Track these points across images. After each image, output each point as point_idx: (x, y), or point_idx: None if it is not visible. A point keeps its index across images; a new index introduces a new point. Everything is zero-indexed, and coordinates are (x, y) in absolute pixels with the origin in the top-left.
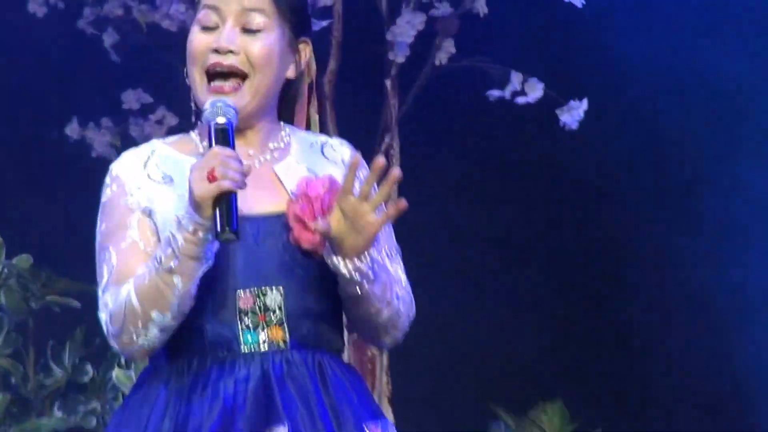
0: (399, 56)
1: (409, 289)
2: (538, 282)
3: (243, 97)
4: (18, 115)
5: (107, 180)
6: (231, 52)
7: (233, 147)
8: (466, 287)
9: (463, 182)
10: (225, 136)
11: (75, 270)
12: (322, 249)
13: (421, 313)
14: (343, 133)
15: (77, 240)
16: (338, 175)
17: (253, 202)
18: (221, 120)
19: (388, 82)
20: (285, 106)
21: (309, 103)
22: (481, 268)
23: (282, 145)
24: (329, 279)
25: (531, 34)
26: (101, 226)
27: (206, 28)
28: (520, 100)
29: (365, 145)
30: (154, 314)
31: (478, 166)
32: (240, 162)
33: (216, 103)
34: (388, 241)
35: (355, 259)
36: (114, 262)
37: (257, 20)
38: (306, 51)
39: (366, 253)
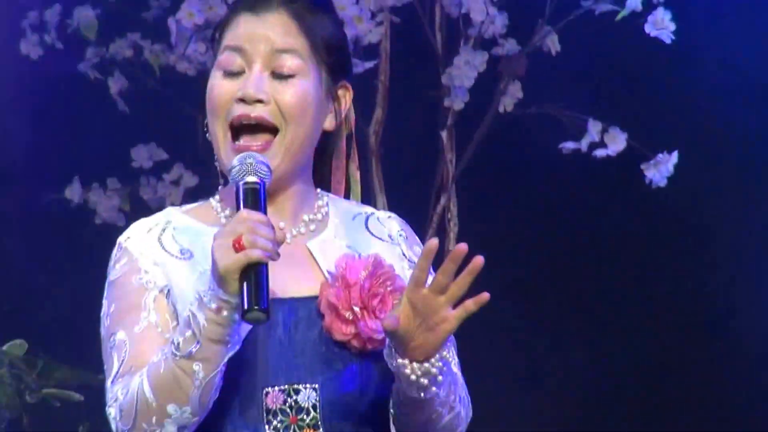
0: (457, 102)
1: (465, 387)
2: (626, 345)
3: (274, 157)
4: (8, 174)
5: (115, 254)
6: (259, 101)
7: (265, 211)
8: (542, 360)
9: (532, 249)
10: (255, 198)
11: (76, 357)
12: (361, 344)
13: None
14: (391, 193)
15: (79, 322)
16: (385, 254)
17: (283, 283)
18: (251, 179)
19: (443, 134)
20: (321, 164)
21: (349, 158)
22: (563, 338)
23: (319, 216)
24: (375, 375)
25: (611, 76)
26: (110, 308)
27: (230, 74)
28: (599, 153)
29: (417, 207)
30: (171, 408)
31: (550, 230)
32: (272, 229)
33: (245, 159)
34: None
35: (425, 362)
36: (126, 349)
37: (289, 63)
38: (346, 98)
39: (437, 354)
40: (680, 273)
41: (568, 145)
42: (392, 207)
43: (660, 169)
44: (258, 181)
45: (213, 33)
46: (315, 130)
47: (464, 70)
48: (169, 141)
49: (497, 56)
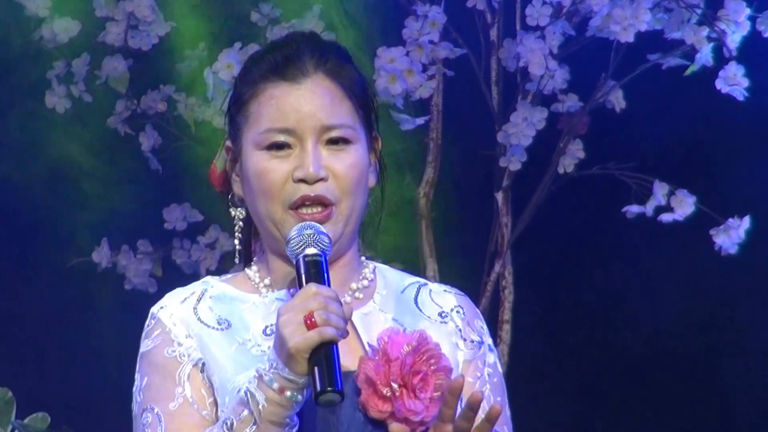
0: (513, 162)
1: None
2: (695, 419)
3: (335, 225)
4: (31, 234)
5: (148, 325)
6: (321, 179)
7: (329, 284)
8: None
9: (592, 320)
10: (318, 271)
11: (102, 429)
12: (399, 421)
13: None
14: (442, 259)
15: (104, 395)
16: (436, 334)
17: None
18: (311, 251)
19: (499, 195)
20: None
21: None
22: (624, 412)
23: (365, 283)
24: None
25: (679, 135)
26: (142, 382)
27: (276, 147)
28: (666, 217)
29: (469, 274)
30: None
31: (611, 300)
32: (341, 304)
33: (304, 231)
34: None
35: None
36: (161, 427)
37: (342, 132)
38: (379, 148)
39: None
40: (752, 346)
41: (633, 209)
42: (443, 274)
43: (730, 234)
44: (319, 253)
45: (234, 102)
46: (365, 194)
47: (521, 128)
48: (204, 201)
49: (557, 113)
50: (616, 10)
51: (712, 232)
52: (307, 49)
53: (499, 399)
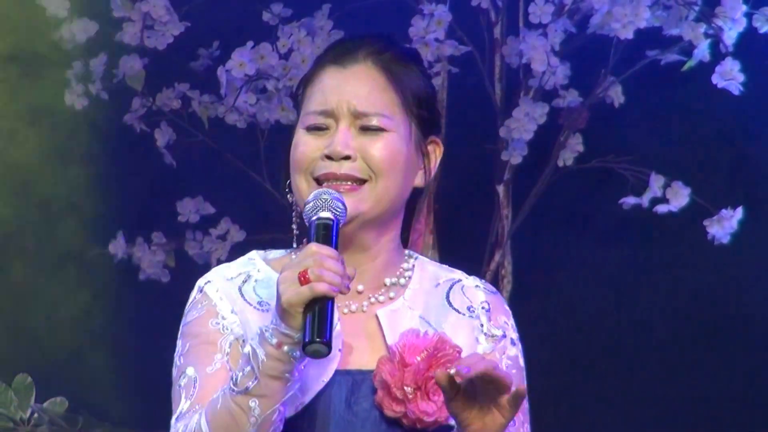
0: (515, 156)
1: None
2: (688, 402)
3: (362, 201)
4: (50, 228)
5: (194, 297)
6: (347, 158)
7: (336, 247)
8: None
9: (589, 308)
10: (327, 233)
11: (117, 415)
12: (411, 423)
13: None
14: (444, 249)
15: (120, 380)
16: (459, 327)
17: (353, 352)
18: (324, 214)
19: (500, 188)
20: (408, 222)
21: (425, 221)
22: (622, 400)
23: (402, 281)
24: None
25: (675, 129)
26: (184, 348)
27: (315, 129)
28: (661, 208)
29: (470, 264)
30: None
31: (608, 288)
32: (342, 263)
33: (321, 195)
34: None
35: None
36: (195, 389)
37: (377, 119)
38: (436, 153)
39: None
40: (745, 331)
41: (629, 201)
42: (445, 262)
43: (724, 225)
44: (332, 217)
45: (297, 87)
46: (405, 186)
47: (523, 123)
48: (216, 195)
49: (558, 108)
50: (616, 8)
51: (705, 222)
52: (368, 41)
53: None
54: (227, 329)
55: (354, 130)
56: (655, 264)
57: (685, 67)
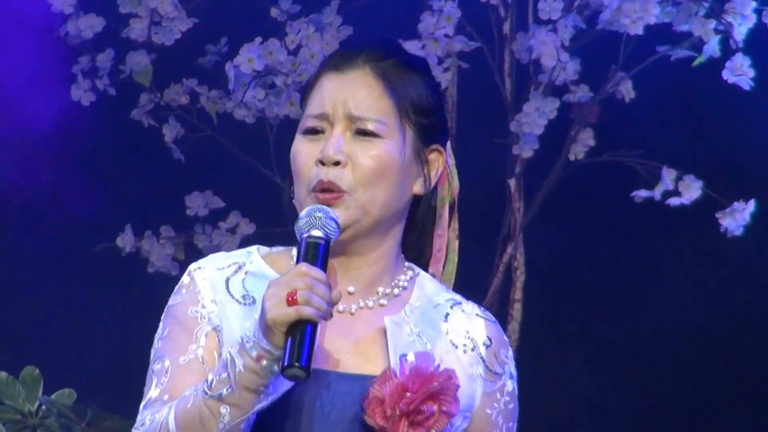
0: (526, 150)
1: None
2: (696, 396)
3: (350, 210)
4: (59, 221)
5: (183, 280)
6: (337, 163)
7: (324, 268)
8: (611, 414)
9: (602, 301)
10: (316, 253)
11: (125, 407)
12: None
13: None
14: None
15: (129, 372)
16: (456, 361)
17: (335, 354)
18: (316, 233)
19: (512, 182)
20: (412, 230)
21: (449, 227)
22: (632, 390)
23: (396, 291)
24: None
25: (686, 123)
26: (163, 332)
27: (311, 132)
28: (674, 201)
29: (483, 257)
30: None
31: (620, 281)
32: (329, 288)
33: (314, 212)
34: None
35: None
36: (166, 377)
37: (371, 125)
38: (439, 161)
39: None
40: (757, 324)
41: (641, 194)
42: (458, 256)
43: (736, 217)
44: (323, 236)
45: (301, 94)
46: (399, 193)
47: (534, 117)
48: (225, 189)
49: (568, 103)
50: (626, 3)
51: (718, 215)
52: (370, 48)
53: (510, 425)
54: (204, 318)
55: (349, 134)
56: (667, 256)
57: (696, 62)
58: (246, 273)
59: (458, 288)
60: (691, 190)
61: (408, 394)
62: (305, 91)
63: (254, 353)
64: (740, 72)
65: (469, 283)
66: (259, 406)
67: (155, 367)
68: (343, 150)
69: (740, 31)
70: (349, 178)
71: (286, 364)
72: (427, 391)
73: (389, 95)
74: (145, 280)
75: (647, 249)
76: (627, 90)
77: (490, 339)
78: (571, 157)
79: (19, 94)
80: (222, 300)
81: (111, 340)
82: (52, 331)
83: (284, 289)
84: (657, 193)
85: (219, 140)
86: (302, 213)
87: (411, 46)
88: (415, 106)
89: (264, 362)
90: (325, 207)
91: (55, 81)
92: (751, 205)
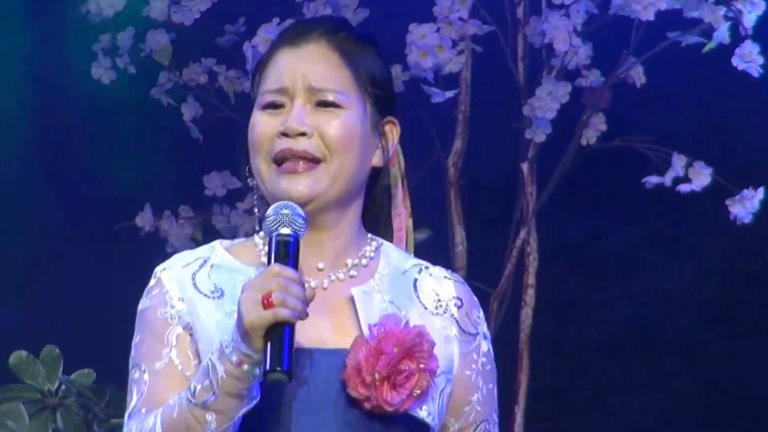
0: (538, 134)
1: None
2: (705, 382)
3: (319, 180)
4: (78, 200)
5: (150, 283)
6: (302, 134)
7: (296, 266)
8: (628, 401)
9: (613, 285)
10: (287, 252)
11: None
12: (371, 407)
13: None
14: (470, 227)
15: None
16: (429, 323)
17: (312, 330)
18: (285, 231)
19: (524, 166)
20: (370, 208)
21: (403, 204)
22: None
23: (363, 261)
24: None
25: (697, 109)
26: (136, 338)
27: (271, 107)
28: (683, 188)
29: (496, 241)
30: None
31: (631, 266)
32: (303, 287)
33: (281, 209)
34: (489, 406)
35: None
36: (146, 385)
37: (332, 95)
38: (393, 133)
39: None
40: (764, 310)
41: (652, 180)
42: (471, 240)
43: (745, 204)
44: (292, 233)
45: (252, 73)
46: (362, 164)
47: (546, 102)
48: (243, 169)
49: (580, 87)
50: None
51: (727, 202)
52: (321, 21)
53: (490, 386)
54: (174, 318)
55: (310, 106)
56: (677, 242)
57: (705, 49)
58: (212, 266)
59: (472, 272)
60: (701, 177)
61: (383, 356)
62: (257, 69)
63: (234, 358)
64: (749, 59)
65: (483, 267)
66: (243, 410)
67: (134, 375)
68: (306, 122)
69: (750, 18)
70: (321, 146)
71: (268, 368)
72: (402, 350)
73: (347, 66)
74: (164, 259)
75: (658, 234)
76: (638, 75)
77: (460, 299)
78: (583, 142)
79: (40, 72)
80: (190, 297)
81: (130, 320)
82: (72, 311)
83: (258, 291)
84: (667, 179)
85: (237, 120)
86: (269, 211)
87: (426, 29)
88: (372, 78)
89: (245, 366)
90: (291, 203)
91: (75, 59)
92: (761, 193)
